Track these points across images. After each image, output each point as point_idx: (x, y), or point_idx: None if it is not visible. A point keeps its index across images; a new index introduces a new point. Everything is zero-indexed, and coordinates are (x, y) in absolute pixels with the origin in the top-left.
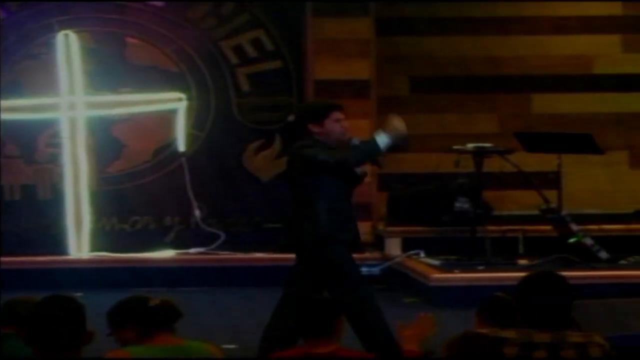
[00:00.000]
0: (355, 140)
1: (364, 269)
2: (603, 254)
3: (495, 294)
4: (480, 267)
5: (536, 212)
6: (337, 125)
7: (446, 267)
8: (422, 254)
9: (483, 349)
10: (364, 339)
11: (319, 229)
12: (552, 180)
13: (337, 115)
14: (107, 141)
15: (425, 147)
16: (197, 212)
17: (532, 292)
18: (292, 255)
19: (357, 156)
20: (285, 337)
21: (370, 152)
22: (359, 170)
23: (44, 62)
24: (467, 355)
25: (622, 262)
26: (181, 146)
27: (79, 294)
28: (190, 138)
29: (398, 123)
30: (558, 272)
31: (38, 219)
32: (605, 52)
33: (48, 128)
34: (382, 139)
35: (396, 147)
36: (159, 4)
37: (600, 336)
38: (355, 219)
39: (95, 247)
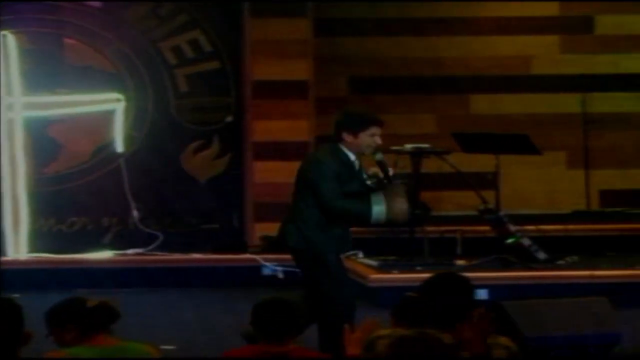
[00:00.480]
0: (379, 156)
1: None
2: (541, 255)
3: (406, 294)
4: (419, 268)
5: (474, 212)
6: (370, 140)
7: (384, 268)
8: (361, 255)
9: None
10: (321, 339)
11: (310, 241)
12: (490, 180)
13: (374, 130)
14: (45, 142)
15: None
16: (135, 213)
17: (434, 293)
18: (229, 256)
19: (345, 211)
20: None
21: (360, 218)
22: (371, 182)
23: None
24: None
25: (560, 262)
26: (119, 147)
27: (16, 295)
28: (129, 139)
29: (401, 209)
30: (459, 274)
31: None
32: (544, 53)
33: None
34: (378, 216)
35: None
36: (97, 4)
37: (507, 339)
38: (350, 234)
39: (33, 249)
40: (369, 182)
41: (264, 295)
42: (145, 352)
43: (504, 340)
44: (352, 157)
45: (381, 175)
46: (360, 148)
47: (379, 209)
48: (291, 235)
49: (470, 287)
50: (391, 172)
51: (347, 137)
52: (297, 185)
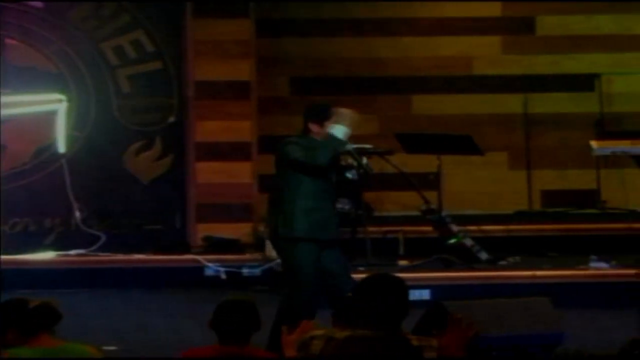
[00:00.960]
0: (348, 146)
1: (245, 271)
2: (483, 255)
3: (347, 295)
4: (361, 268)
5: (416, 213)
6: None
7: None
8: None
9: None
10: (272, 336)
11: (292, 228)
12: (432, 181)
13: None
14: None
15: None
16: (77, 214)
17: (368, 294)
18: (172, 257)
19: (323, 153)
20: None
21: (333, 145)
22: (350, 174)
23: None
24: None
25: (502, 262)
26: (61, 147)
27: None
28: (71, 139)
29: (345, 110)
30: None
31: None
32: (485, 53)
33: None
34: (338, 130)
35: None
36: (39, 5)
37: (436, 340)
38: (336, 219)
39: None
40: (349, 175)
41: (208, 297)
42: (87, 353)
43: (434, 342)
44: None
45: (355, 163)
46: (326, 137)
47: (332, 128)
48: (280, 226)
49: (404, 287)
50: (364, 160)
51: (313, 127)
52: (278, 177)
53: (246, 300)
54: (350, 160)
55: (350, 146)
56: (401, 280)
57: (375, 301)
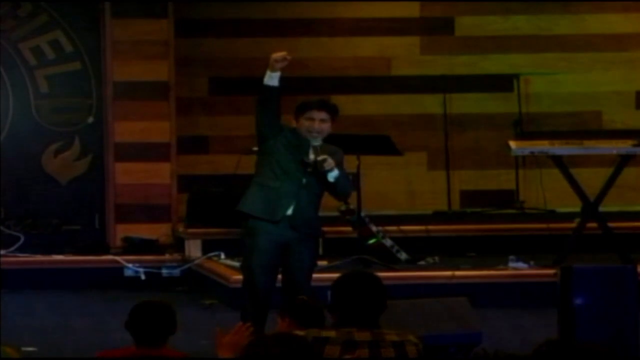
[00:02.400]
0: (315, 142)
1: (164, 271)
2: (402, 255)
3: (299, 297)
4: (280, 269)
5: (336, 213)
6: (307, 123)
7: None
8: (223, 256)
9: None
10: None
11: (243, 202)
12: (351, 181)
13: (310, 114)
14: None
15: (227, 149)
16: None
17: (349, 292)
18: (91, 257)
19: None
20: None
21: (262, 87)
22: (308, 158)
23: None
24: (281, 357)
25: (421, 262)
26: None
27: None
28: None
29: (272, 56)
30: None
31: None
32: (404, 54)
33: None
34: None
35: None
36: None
37: (413, 335)
38: (295, 200)
39: None
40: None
41: (128, 298)
42: (5, 353)
43: (412, 337)
44: (302, 140)
45: (313, 159)
46: (303, 132)
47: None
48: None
49: (382, 284)
50: (322, 158)
51: (294, 122)
52: None
53: (162, 302)
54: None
55: (317, 142)
56: (377, 277)
57: (357, 298)
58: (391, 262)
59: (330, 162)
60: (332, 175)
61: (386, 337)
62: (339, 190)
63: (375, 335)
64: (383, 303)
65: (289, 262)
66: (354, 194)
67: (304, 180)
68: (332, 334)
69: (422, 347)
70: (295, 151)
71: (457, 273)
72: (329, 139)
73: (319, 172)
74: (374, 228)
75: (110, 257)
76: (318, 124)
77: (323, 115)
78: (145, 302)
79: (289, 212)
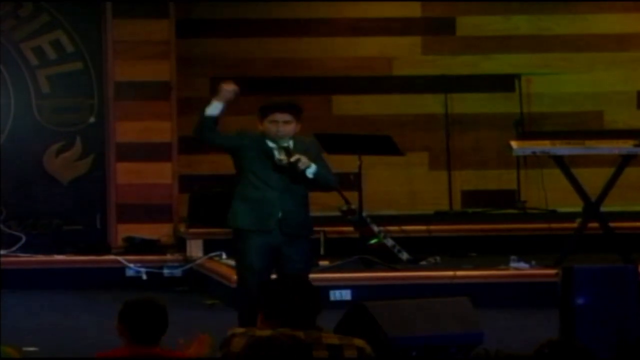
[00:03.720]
0: (284, 143)
1: (166, 271)
2: (404, 255)
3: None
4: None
5: (337, 213)
6: (271, 126)
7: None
8: (224, 256)
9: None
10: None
11: (232, 218)
12: (352, 181)
13: (274, 116)
14: None
15: None
16: None
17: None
18: (93, 257)
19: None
20: None
21: (203, 117)
22: (279, 160)
23: None
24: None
25: (423, 263)
26: None
27: None
28: None
29: (222, 85)
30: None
31: None
32: (405, 54)
33: None
34: (212, 104)
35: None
36: None
37: (361, 340)
38: (280, 206)
39: None
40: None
41: (131, 297)
42: (5, 353)
43: (358, 341)
44: (271, 144)
45: (285, 161)
46: (269, 135)
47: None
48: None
49: (312, 286)
50: (295, 158)
51: (259, 126)
52: None
53: (153, 300)
54: (282, 156)
55: (286, 143)
56: (307, 279)
57: (287, 300)
58: (392, 262)
59: (304, 160)
60: (310, 172)
61: (323, 339)
62: (321, 184)
63: (310, 336)
64: (315, 304)
65: (283, 265)
66: (355, 194)
67: (285, 185)
68: (266, 333)
69: (371, 352)
70: (268, 157)
71: (459, 273)
72: (331, 139)
73: (296, 172)
74: (375, 228)
75: (111, 257)
76: (282, 126)
77: (286, 117)
78: (136, 300)
79: (278, 217)
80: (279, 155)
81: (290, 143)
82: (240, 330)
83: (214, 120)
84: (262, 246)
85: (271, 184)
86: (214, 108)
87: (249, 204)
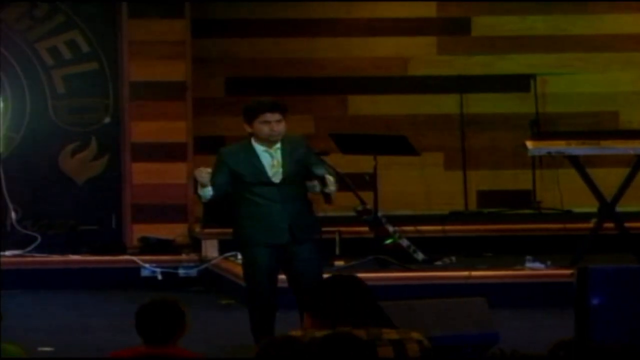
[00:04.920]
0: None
1: (181, 271)
2: (419, 255)
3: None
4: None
5: (352, 213)
6: (264, 127)
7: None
8: (239, 256)
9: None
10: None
11: (238, 234)
12: (368, 181)
13: (265, 116)
14: None
15: None
16: (12, 215)
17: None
18: (108, 257)
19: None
20: None
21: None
22: (312, 187)
23: None
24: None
25: (438, 263)
26: None
27: None
28: (6, 140)
29: (195, 173)
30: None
31: None
32: (421, 54)
33: None
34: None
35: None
36: None
37: (418, 333)
38: (286, 218)
39: None
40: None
41: (146, 298)
42: (7, 352)
43: (415, 334)
44: (262, 148)
45: (319, 188)
46: (261, 136)
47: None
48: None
49: (366, 285)
50: (330, 190)
51: (248, 128)
52: None
53: (164, 300)
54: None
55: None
56: (360, 279)
57: (342, 300)
58: (408, 263)
59: (333, 189)
60: (333, 189)
61: (384, 335)
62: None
63: (372, 334)
64: (370, 302)
65: (292, 264)
66: (370, 194)
67: (283, 194)
68: (322, 333)
69: (429, 344)
70: (257, 168)
71: (474, 273)
72: (346, 140)
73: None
74: (390, 228)
75: (127, 257)
76: (275, 126)
77: (277, 116)
78: (151, 301)
79: (286, 227)
80: (312, 182)
81: (264, 155)
82: (299, 332)
83: (212, 196)
84: (268, 250)
85: (270, 197)
86: (206, 193)
87: (256, 221)
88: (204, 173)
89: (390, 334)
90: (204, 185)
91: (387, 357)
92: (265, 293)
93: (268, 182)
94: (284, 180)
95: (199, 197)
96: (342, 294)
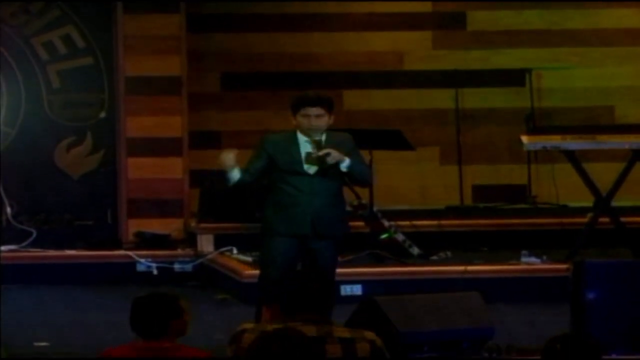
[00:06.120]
0: (316, 136)
1: (177, 266)
2: (415, 250)
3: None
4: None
5: (348, 208)
6: (304, 120)
7: (259, 264)
8: (235, 251)
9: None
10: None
11: (263, 222)
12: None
13: (306, 110)
14: None
15: (239, 144)
16: (8, 210)
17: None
18: (103, 252)
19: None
20: None
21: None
22: (309, 153)
23: None
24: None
25: (434, 257)
26: None
27: None
28: (1, 135)
29: (221, 156)
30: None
31: None
32: (416, 49)
33: None
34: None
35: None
36: None
37: (371, 333)
38: (311, 210)
39: None
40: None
41: (142, 293)
42: None
43: (369, 334)
44: (304, 138)
45: (315, 154)
46: (302, 129)
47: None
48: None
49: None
50: (325, 152)
51: (292, 120)
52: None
53: (161, 294)
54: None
55: (318, 136)
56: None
57: (300, 293)
58: (403, 257)
59: (334, 155)
60: (344, 166)
61: (335, 333)
62: (357, 178)
63: (322, 331)
64: (327, 298)
65: (312, 259)
66: (366, 189)
67: (316, 186)
68: (277, 328)
69: (382, 344)
70: (294, 158)
71: (470, 268)
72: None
73: (327, 165)
74: (386, 223)
75: (122, 252)
76: (315, 120)
77: (319, 110)
78: (145, 295)
79: (309, 219)
80: (310, 149)
81: (323, 137)
82: (250, 325)
83: (243, 180)
84: (289, 242)
85: (301, 187)
86: (233, 176)
87: (281, 210)
88: (231, 155)
89: (343, 332)
90: (230, 167)
91: (334, 355)
92: (273, 286)
93: (302, 172)
94: (318, 172)
95: (227, 180)
96: (304, 289)
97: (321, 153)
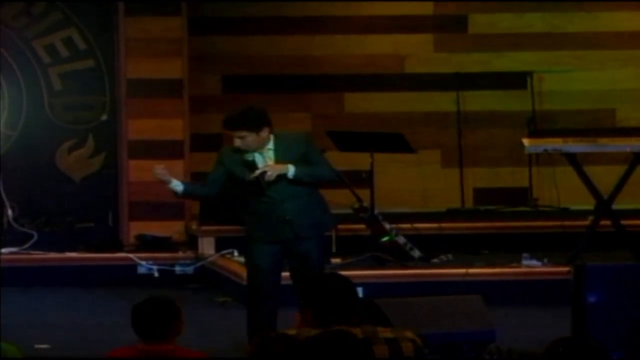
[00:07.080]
0: (248, 157)
1: (178, 269)
2: (415, 253)
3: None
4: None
5: (349, 210)
6: (234, 140)
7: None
8: (236, 253)
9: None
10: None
11: (249, 232)
12: (364, 179)
13: (229, 133)
14: None
15: None
16: (9, 212)
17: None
18: (105, 255)
19: None
20: None
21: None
22: (248, 177)
23: None
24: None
25: (435, 260)
26: None
27: None
28: (3, 138)
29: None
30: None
31: None
32: (417, 51)
33: None
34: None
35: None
36: None
37: (411, 332)
38: (288, 214)
39: None
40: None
41: (143, 295)
42: (7, 352)
43: (409, 333)
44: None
45: (247, 177)
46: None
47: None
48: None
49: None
50: (258, 173)
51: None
52: None
53: (162, 297)
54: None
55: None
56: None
57: (335, 298)
58: (404, 260)
59: (270, 173)
60: (291, 174)
61: (379, 334)
62: (309, 182)
63: (367, 332)
64: (357, 300)
65: (297, 263)
66: (367, 192)
67: (286, 190)
68: (313, 332)
69: (421, 343)
70: (251, 169)
71: (471, 271)
72: (343, 137)
73: (271, 180)
74: (387, 226)
75: (123, 254)
76: (239, 142)
77: (240, 133)
78: (146, 298)
79: (287, 224)
80: (246, 173)
81: (255, 155)
82: (292, 331)
83: (187, 191)
84: (272, 248)
85: (273, 195)
86: (175, 187)
87: (259, 219)
88: (158, 170)
89: (385, 333)
90: (167, 180)
91: (382, 356)
92: (262, 292)
93: (263, 181)
94: (278, 178)
95: (174, 193)
96: (335, 292)
97: (254, 175)
